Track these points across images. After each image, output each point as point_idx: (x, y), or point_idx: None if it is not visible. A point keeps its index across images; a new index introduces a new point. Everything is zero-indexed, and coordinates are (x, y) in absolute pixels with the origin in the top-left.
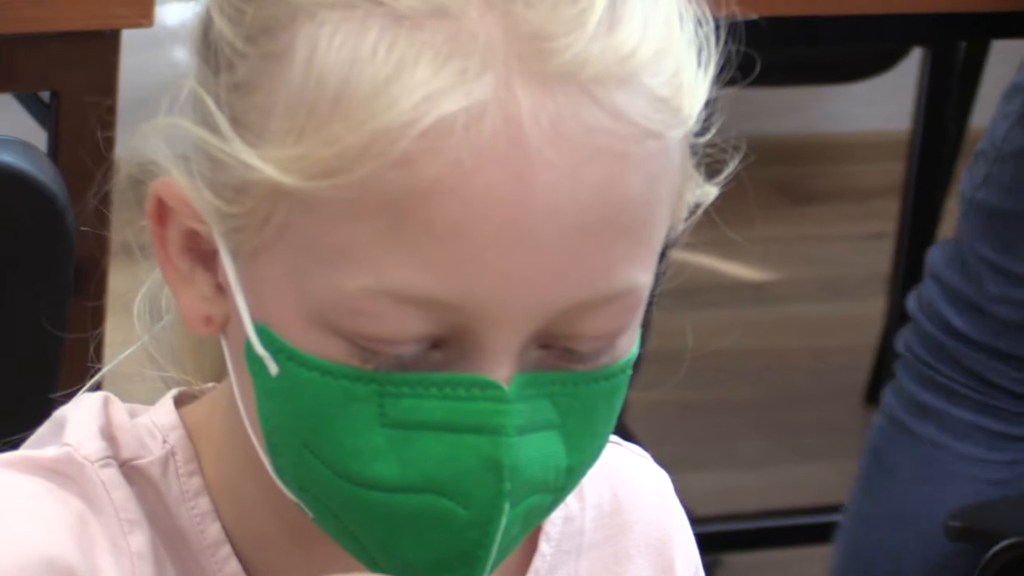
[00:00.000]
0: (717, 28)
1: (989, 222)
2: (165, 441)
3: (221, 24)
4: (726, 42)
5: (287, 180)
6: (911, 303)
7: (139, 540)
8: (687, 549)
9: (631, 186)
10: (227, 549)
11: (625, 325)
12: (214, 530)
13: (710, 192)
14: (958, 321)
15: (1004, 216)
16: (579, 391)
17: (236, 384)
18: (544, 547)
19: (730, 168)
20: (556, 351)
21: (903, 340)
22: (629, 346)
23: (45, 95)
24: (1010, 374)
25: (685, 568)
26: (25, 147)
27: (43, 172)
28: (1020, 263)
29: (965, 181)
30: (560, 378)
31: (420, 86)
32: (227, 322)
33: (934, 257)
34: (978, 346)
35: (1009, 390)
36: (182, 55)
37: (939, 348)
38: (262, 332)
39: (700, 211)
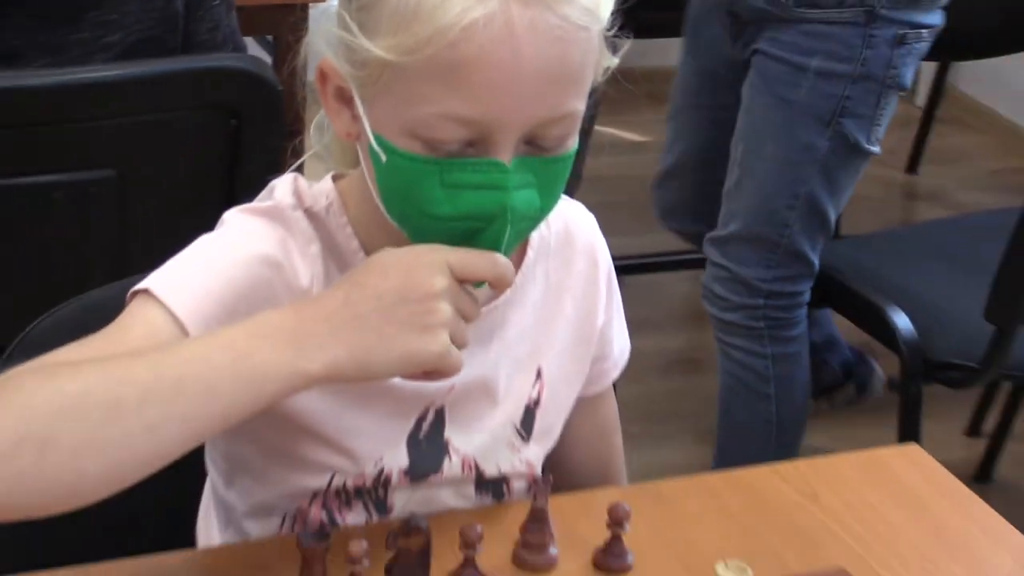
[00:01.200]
0: None
1: None
2: (327, 197)
3: None
4: None
5: (389, 57)
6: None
7: (315, 249)
8: (605, 256)
9: (573, 57)
10: (362, 254)
11: (571, 131)
12: (355, 244)
13: (615, 60)
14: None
15: None
16: (547, 166)
17: (364, 167)
18: (530, 252)
19: (623, 48)
20: (534, 146)
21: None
22: (573, 144)
23: (269, 37)
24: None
25: (603, 265)
26: (261, 61)
27: (268, 74)
28: None
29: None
30: (537, 160)
31: (459, 3)
32: (360, 135)
33: None
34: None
35: None
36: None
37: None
38: (377, 139)
39: (609, 73)
